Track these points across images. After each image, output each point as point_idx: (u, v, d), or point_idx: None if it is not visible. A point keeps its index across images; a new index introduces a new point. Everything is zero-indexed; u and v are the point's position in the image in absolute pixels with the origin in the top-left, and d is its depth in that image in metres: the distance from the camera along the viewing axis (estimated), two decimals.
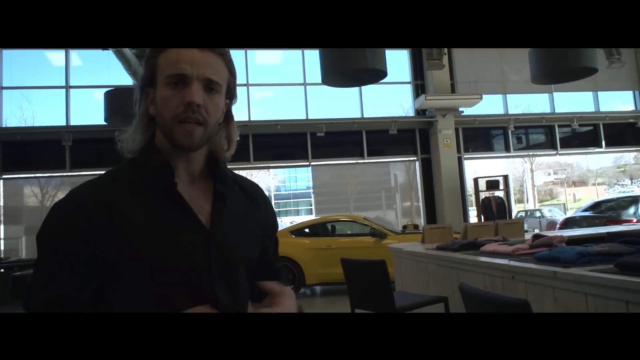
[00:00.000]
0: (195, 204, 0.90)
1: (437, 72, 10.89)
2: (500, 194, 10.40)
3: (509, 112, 11.78)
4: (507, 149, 11.81)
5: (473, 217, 12.52)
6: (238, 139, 1.00)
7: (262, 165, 11.20)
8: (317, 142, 10.82)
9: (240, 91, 10.91)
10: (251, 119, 10.66)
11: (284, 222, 19.35)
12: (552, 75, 7.04)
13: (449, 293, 2.69)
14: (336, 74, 6.08)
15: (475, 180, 10.47)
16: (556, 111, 12.03)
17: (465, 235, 3.57)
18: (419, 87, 11.44)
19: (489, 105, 11.73)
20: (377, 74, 6.26)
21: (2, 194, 9.89)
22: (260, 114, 10.84)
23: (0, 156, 9.63)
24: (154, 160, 0.89)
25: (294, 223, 12.67)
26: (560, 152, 12.14)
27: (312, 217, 12.03)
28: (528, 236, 3.74)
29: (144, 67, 0.92)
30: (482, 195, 10.31)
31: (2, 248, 9.81)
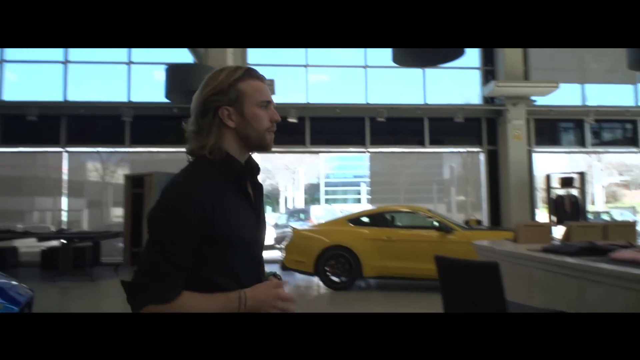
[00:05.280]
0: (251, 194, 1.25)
1: (510, 57, 10.12)
2: (574, 192, 9.54)
3: (587, 104, 10.76)
4: (582, 144, 10.83)
5: (541, 216, 11.64)
6: None
7: (317, 149, 10.85)
8: (375, 128, 10.34)
9: (298, 72, 10.60)
10: (308, 102, 10.32)
11: (335, 210, 19.00)
12: None
13: (564, 306, 2.22)
14: (409, 52, 5.58)
15: (548, 177, 9.64)
16: None
17: (568, 236, 3.05)
18: (488, 73, 10.66)
19: (561, 95, 10.73)
20: (453, 53, 5.71)
21: (66, 167, 10.14)
22: (314, 98, 10.46)
23: (65, 130, 9.85)
24: (236, 166, 1.21)
25: (344, 211, 12.24)
26: None
27: (362, 205, 11.54)
28: None
29: (226, 90, 1.18)
30: (555, 193, 9.50)
31: (65, 219, 10.08)
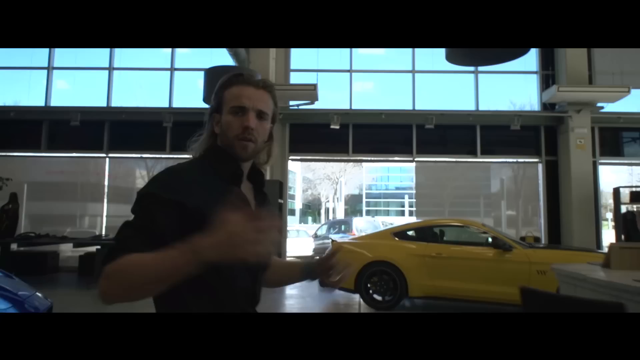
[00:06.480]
0: (248, 197, 1.24)
1: (572, 60, 9.30)
2: None
3: None
4: None
5: (607, 234, 10.59)
6: (275, 154, 1.33)
7: (360, 158, 10.37)
8: (422, 137, 9.75)
9: (342, 77, 10.18)
10: (352, 108, 9.87)
11: (377, 222, 18.37)
12: None
13: None
14: (465, 49, 5.03)
15: (616, 190, 8.68)
16: None
17: None
18: (549, 77, 9.85)
19: (630, 101, 9.69)
20: (515, 50, 5.13)
21: (107, 172, 10.13)
22: (358, 105, 10.00)
23: (108, 136, 9.85)
24: (232, 166, 1.20)
25: (386, 224, 11.61)
26: None
27: (404, 218, 10.91)
28: None
29: (214, 99, 1.23)
30: (624, 209, 8.54)
31: (104, 225, 10.05)
